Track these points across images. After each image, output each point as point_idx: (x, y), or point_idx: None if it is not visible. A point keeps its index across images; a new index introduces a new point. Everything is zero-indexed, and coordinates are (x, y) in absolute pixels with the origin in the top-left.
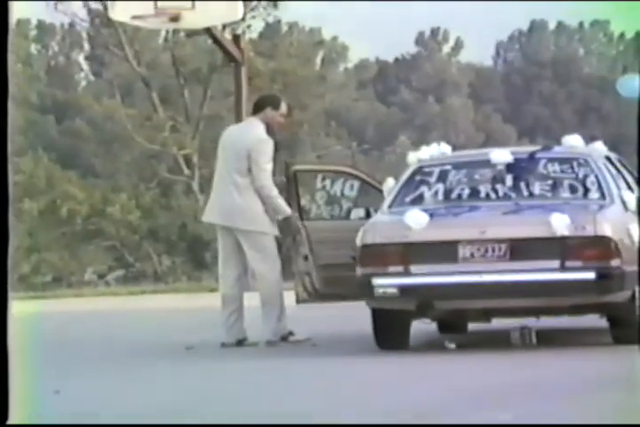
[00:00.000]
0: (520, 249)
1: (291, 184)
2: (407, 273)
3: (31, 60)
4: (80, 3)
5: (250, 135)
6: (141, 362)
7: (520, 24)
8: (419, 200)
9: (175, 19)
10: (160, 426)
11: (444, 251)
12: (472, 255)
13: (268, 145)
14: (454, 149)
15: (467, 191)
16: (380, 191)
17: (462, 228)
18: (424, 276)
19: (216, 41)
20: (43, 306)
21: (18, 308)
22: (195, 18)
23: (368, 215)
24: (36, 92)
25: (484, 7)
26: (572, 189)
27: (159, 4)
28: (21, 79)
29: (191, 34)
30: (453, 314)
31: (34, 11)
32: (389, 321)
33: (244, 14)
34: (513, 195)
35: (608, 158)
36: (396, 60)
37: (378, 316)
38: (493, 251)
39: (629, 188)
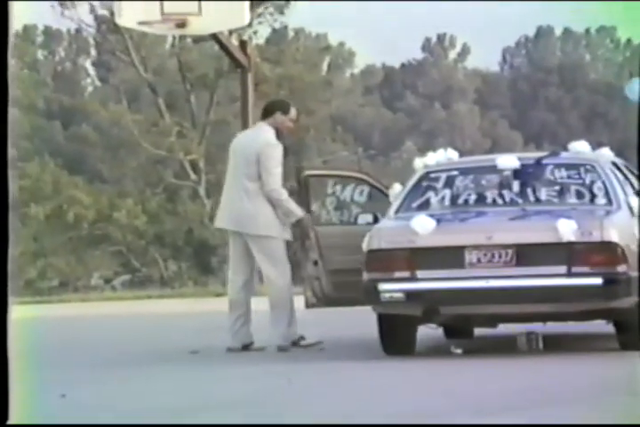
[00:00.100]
0: (527, 255)
1: (302, 189)
2: (413, 278)
3: (38, 65)
4: (87, 9)
5: (259, 140)
6: (147, 366)
7: (526, 30)
8: (425, 206)
9: (182, 25)
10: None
11: (450, 256)
12: (479, 261)
13: (277, 149)
14: (461, 154)
15: (473, 197)
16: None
17: (469, 233)
18: (430, 281)
19: (222, 47)
20: (49, 310)
21: (24, 312)
22: (201, 24)
23: (376, 221)
24: (43, 98)
25: (491, 13)
26: (579, 195)
27: (166, 9)
28: (28, 85)
29: (198, 40)
30: (459, 319)
31: (40, 16)
32: (395, 326)
33: (251, 20)
34: (520, 200)
35: (615, 164)
36: (403, 65)
37: (384, 321)
38: (500, 256)
39: (636, 193)
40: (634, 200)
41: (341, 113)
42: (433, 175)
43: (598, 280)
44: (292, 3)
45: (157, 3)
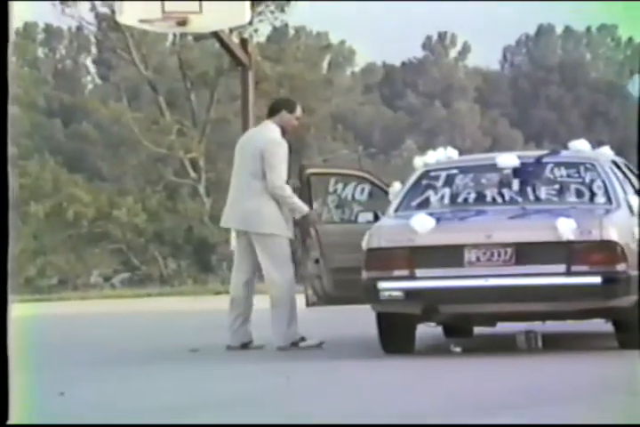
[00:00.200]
0: (526, 253)
1: (304, 187)
2: (413, 277)
3: (38, 63)
4: (87, 6)
5: (264, 138)
6: (146, 364)
7: (527, 28)
8: (425, 204)
9: (182, 23)
10: (159, 426)
11: (449, 255)
12: (478, 259)
13: (282, 147)
14: (461, 153)
15: (473, 195)
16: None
17: (468, 232)
18: (429, 280)
19: (223, 45)
20: (48, 308)
21: (24, 310)
22: (202, 22)
23: (377, 219)
24: (43, 96)
25: (491, 11)
26: (579, 194)
27: (167, 8)
28: (28, 83)
29: (198, 38)
30: (459, 318)
31: (41, 14)
32: (395, 325)
33: (252, 18)
34: (519, 199)
35: (615, 163)
36: (403, 64)
37: (383, 319)
38: (499, 255)
39: (636, 192)
40: (633, 199)
41: (342, 111)
42: (433, 174)
43: (597, 279)
44: (293, 1)
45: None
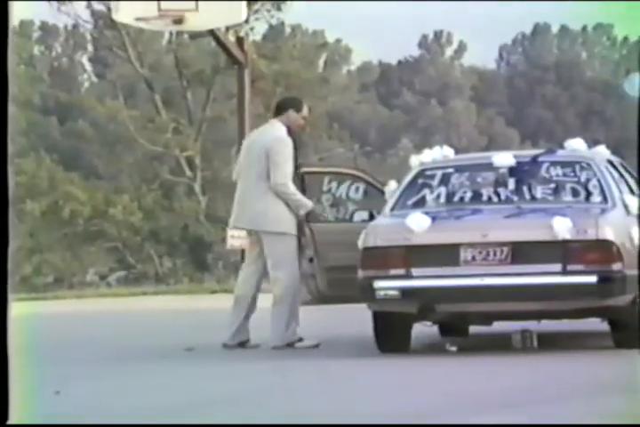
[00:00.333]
0: (522, 252)
1: (298, 186)
2: (409, 276)
3: (34, 61)
4: (83, 4)
5: (269, 136)
6: (141, 363)
7: (523, 27)
8: (421, 203)
9: (179, 21)
10: (159, 426)
11: (445, 254)
12: (474, 258)
13: (287, 145)
14: (457, 152)
15: (469, 194)
16: (384, 194)
17: (464, 231)
18: (425, 278)
19: (219, 43)
20: (44, 307)
21: (19, 309)
22: (198, 20)
23: (372, 218)
24: (39, 94)
25: (488, 10)
26: (575, 193)
27: (163, 5)
28: (24, 80)
29: (194, 36)
30: (455, 317)
31: (37, 12)
32: (390, 324)
33: (248, 17)
34: (515, 198)
35: (610, 162)
36: (399, 62)
37: (379, 318)
38: (495, 254)
39: (631, 191)
40: (629, 198)
41: (338, 110)
42: (429, 173)
43: (593, 278)
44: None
45: None
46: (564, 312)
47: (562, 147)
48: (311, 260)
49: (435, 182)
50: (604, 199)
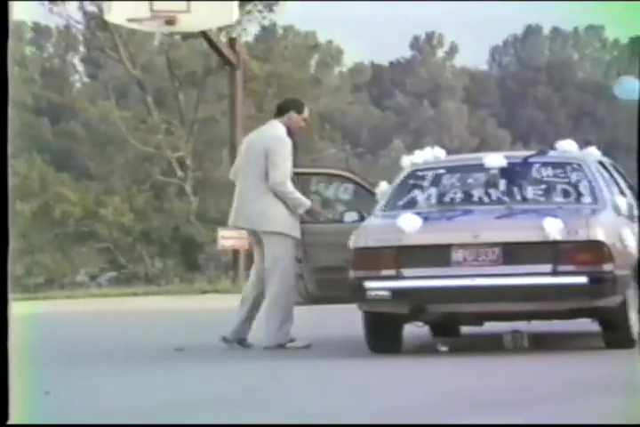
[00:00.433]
0: (513, 253)
1: (297, 186)
2: (400, 276)
3: (26, 62)
4: (76, 5)
5: (269, 136)
6: (131, 363)
7: (515, 29)
8: (412, 204)
9: (171, 22)
10: (153, 426)
11: (436, 254)
12: (465, 259)
13: (286, 145)
14: (448, 153)
15: (460, 195)
16: (374, 195)
17: (455, 231)
18: (417, 279)
19: (211, 44)
20: (35, 307)
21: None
22: (190, 21)
23: (362, 219)
24: (31, 95)
25: (479, 12)
26: (565, 194)
27: (155, 7)
28: (16, 81)
29: (186, 37)
30: (446, 317)
31: (29, 13)
32: (381, 324)
33: (240, 18)
34: (506, 199)
35: (601, 163)
36: (391, 63)
37: (370, 319)
38: (486, 255)
39: (622, 193)
40: (620, 199)
41: (330, 111)
42: (420, 173)
43: (584, 279)
44: (281, 1)
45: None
46: (555, 313)
47: (553, 148)
48: (300, 260)
49: (426, 183)
50: (595, 200)
